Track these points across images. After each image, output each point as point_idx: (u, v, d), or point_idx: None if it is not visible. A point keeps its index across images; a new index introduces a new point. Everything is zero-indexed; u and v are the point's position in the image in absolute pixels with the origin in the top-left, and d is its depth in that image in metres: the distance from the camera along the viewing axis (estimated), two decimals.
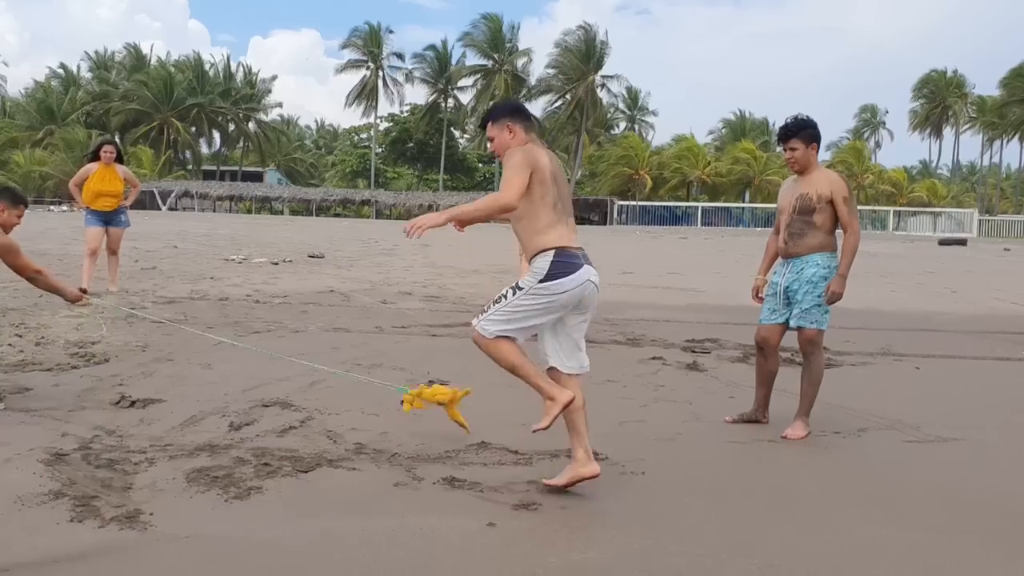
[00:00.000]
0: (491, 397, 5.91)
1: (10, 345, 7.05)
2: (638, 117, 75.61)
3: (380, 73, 73.03)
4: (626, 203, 62.62)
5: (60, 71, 78.87)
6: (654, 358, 7.53)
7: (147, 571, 3.09)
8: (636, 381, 6.60)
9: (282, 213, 66.44)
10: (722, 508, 3.95)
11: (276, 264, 16.02)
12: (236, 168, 78.47)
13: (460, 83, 71.50)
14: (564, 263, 3.90)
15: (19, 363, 6.40)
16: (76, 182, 10.41)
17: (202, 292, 11.20)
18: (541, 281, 3.90)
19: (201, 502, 3.77)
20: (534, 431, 4.08)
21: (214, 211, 64.84)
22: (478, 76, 69.65)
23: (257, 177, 76.69)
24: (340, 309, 10.18)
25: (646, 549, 3.43)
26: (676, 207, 63.62)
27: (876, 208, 62.15)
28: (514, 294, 3.95)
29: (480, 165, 76.46)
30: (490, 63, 68.31)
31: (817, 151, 5.24)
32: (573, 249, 3.97)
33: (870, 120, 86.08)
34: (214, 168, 77.65)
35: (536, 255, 3.95)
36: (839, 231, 5.24)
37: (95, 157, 10.45)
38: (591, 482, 4.14)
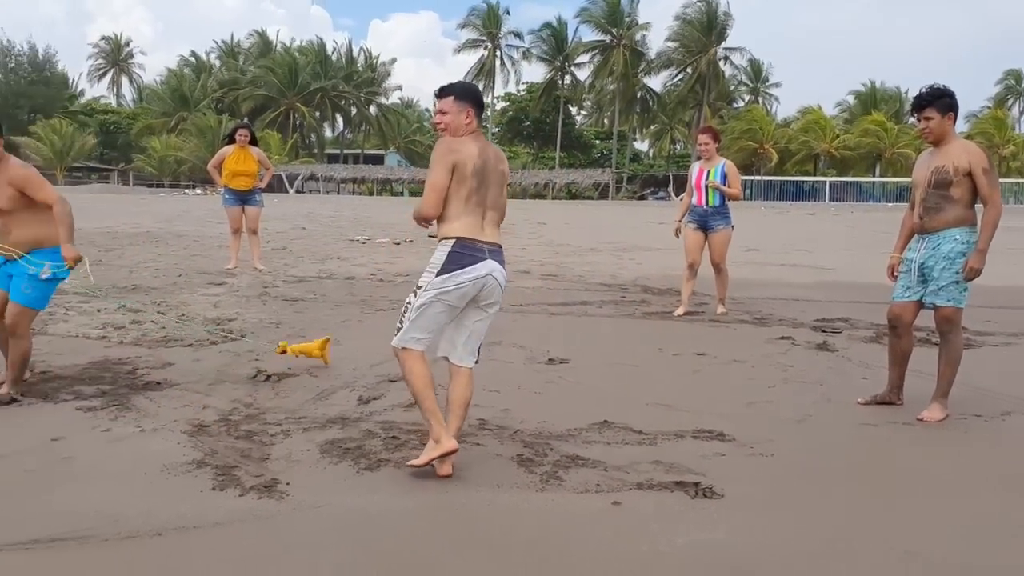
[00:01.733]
0: (613, 376, 5.89)
1: (153, 322, 7.45)
2: (762, 90, 73.27)
3: (497, 52, 73.33)
4: (750, 178, 60.97)
5: (191, 59, 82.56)
6: (783, 338, 7.32)
7: (285, 539, 3.21)
8: (764, 361, 6.43)
9: (402, 194, 67.81)
10: (855, 491, 3.81)
11: (398, 244, 16.39)
12: (358, 151, 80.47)
13: (577, 60, 71.05)
14: (461, 255, 3.85)
15: (162, 339, 6.76)
16: (214, 164, 11.04)
17: (329, 271, 11.57)
18: (437, 275, 3.86)
19: (334, 473, 3.90)
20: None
21: (338, 193, 66.76)
22: (595, 52, 68.95)
23: (378, 160, 78.45)
24: None
25: (776, 531, 3.34)
26: (803, 182, 61.49)
27: (1019, 180, 58.47)
28: (415, 296, 3.91)
29: (597, 142, 75.91)
30: (608, 38, 67.45)
31: (954, 122, 4.95)
32: (477, 242, 3.88)
33: (1014, 87, 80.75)
34: (337, 151, 79.80)
35: (438, 244, 3.92)
36: (978, 205, 4.95)
37: (231, 140, 11.02)
38: (719, 463, 4.09)
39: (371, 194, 68.08)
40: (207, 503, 3.52)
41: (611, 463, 4.05)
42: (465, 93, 4.00)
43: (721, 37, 65.08)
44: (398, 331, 3.94)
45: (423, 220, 3.91)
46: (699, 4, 64.84)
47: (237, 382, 5.49)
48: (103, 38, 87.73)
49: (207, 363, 6.00)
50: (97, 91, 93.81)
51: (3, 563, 2.95)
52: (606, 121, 76.51)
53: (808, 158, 65.07)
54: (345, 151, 80.00)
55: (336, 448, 4.21)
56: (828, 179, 60.34)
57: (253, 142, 11.08)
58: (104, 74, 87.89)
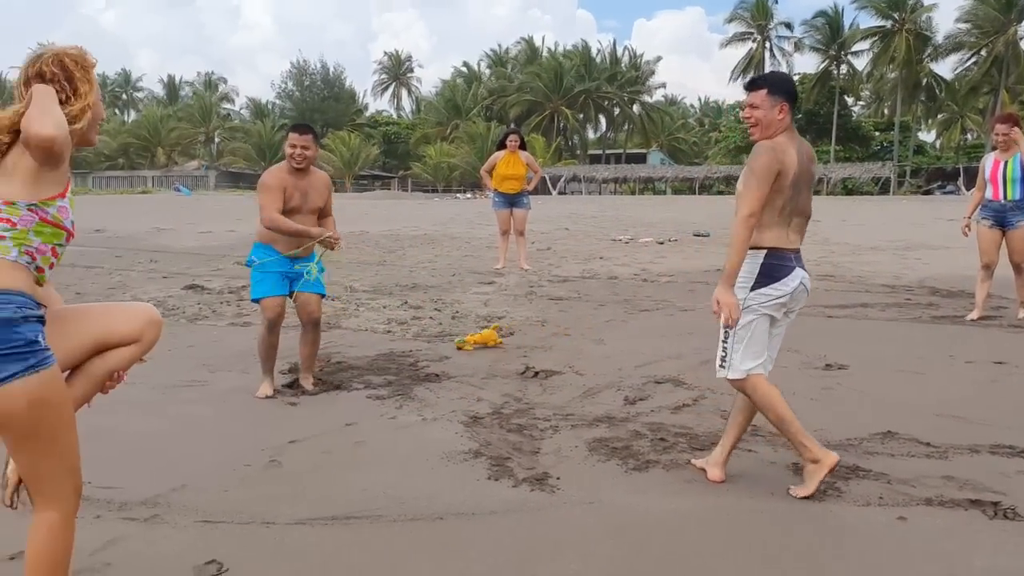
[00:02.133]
0: (897, 384, 5.48)
1: (431, 318, 7.92)
2: None
3: (767, 44, 70.82)
4: None
5: (464, 69, 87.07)
6: None
7: (556, 531, 3.28)
8: None
9: (664, 193, 67.36)
10: None
11: (661, 243, 16.27)
12: (620, 151, 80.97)
13: (854, 47, 66.86)
14: (774, 266, 3.56)
15: (439, 334, 7.17)
16: (486, 168, 11.59)
17: (592, 271, 11.71)
18: (752, 289, 3.57)
19: (603, 470, 3.93)
20: (796, 495, 3.60)
21: (599, 194, 67.57)
22: (875, 39, 64.52)
23: (640, 159, 78.47)
24: None
25: None
26: None
27: None
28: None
29: (876, 133, 70.99)
30: (889, 23, 62.88)
31: None
32: (785, 251, 3.59)
33: None
34: (599, 152, 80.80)
35: (748, 251, 3.55)
36: None
37: (502, 145, 11.49)
38: (1020, 480, 3.68)
39: (633, 193, 68.23)
40: (483, 492, 3.68)
41: (895, 476, 3.77)
42: (779, 85, 3.68)
43: (1022, 15, 58.45)
44: (723, 361, 3.71)
45: (749, 228, 3.49)
46: None
47: (507, 377, 5.70)
48: (385, 54, 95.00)
49: (479, 358, 6.28)
50: (380, 104, 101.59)
51: (307, 535, 3.25)
52: (886, 111, 71.41)
53: None
54: (607, 151, 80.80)
55: (604, 446, 4.25)
56: None
57: (522, 147, 11.48)
58: (386, 88, 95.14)
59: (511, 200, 11.34)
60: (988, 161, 7.69)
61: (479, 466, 3.99)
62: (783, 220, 3.57)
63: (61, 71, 2.29)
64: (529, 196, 11.54)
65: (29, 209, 2.19)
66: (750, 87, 3.72)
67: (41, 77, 2.27)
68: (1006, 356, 6.19)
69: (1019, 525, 3.27)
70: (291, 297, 5.36)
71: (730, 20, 72.18)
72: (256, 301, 5.36)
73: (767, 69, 70.56)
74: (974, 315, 7.68)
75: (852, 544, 3.17)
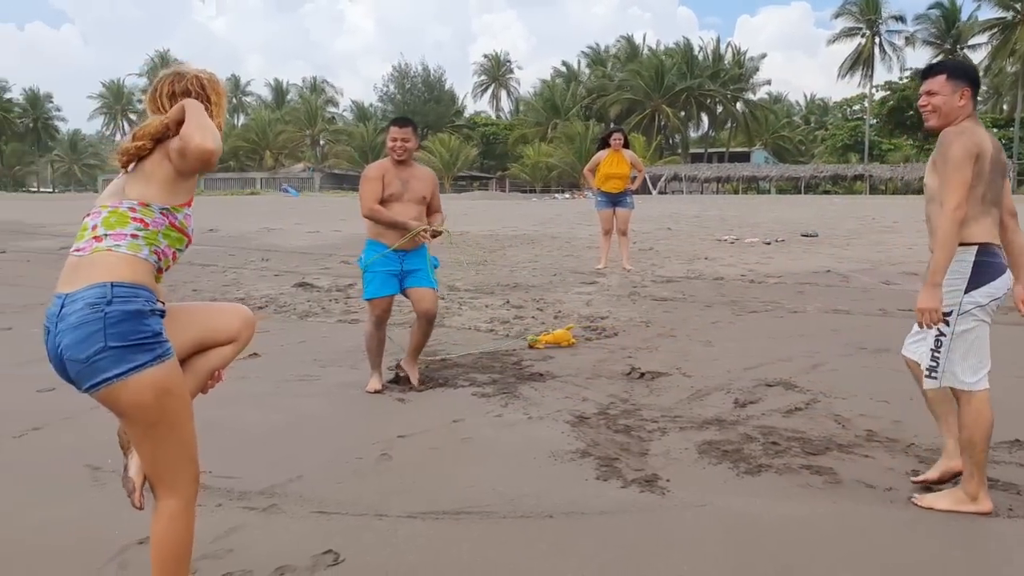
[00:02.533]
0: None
1: (533, 318, 7.93)
2: None
3: (876, 39, 68.36)
4: None
5: (563, 68, 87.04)
6: None
7: (667, 533, 3.23)
8: None
9: (768, 192, 65.81)
10: None
11: (768, 244, 15.88)
12: (722, 150, 79.53)
13: (971, 41, 63.89)
14: (987, 263, 3.32)
15: (542, 333, 7.16)
16: (589, 167, 11.55)
17: (697, 272, 11.52)
18: (966, 291, 3.32)
19: (713, 473, 3.86)
20: (916, 503, 3.46)
21: (701, 193, 66.48)
22: (994, 31, 61.52)
23: (743, 157, 76.91)
24: (838, 290, 9.74)
25: None
26: None
27: None
28: (949, 326, 3.36)
29: (994, 130, 67.53)
30: (1010, 15, 59.84)
31: None
32: (994, 246, 3.36)
33: None
34: (701, 151, 79.56)
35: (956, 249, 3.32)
36: None
37: (604, 144, 11.42)
38: None
39: (736, 193, 66.89)
40: (592, 491, 3.66)
41: None
42: (960, 70, 3.49)
43: None
44: (933, 371, 3.46)
45: (959, 224, 3.28)
46: None
47: (612, 377, 5.66)
48: (485, 56, 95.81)
49: (583, 358, 6.25)
50: (479, 106, 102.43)
51: (419, 529, 3.30)
52: (1005, 107, 68.00)
53: None
54: (709, 150, 79.49)
55: (714, 449, 4.17)
56: None
57: (625, 145, 11.39)
58: (485, 89, 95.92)
59: (614, 199, 11.28)
60: None
61: (587, 466, 3.97)
62: (986, 210, 3.35)
63: (200, 91, 2.49)
64: (633, 195, 11.44)
65: (162, 213, 2.36)
66: (927, 73, 3.53)
67: (187, 95, 2.43)
68: None
69: None
70: (403, 294, 5.49)
71: (838, 15, 69.94)
72: (368, 300, 5.51)
73: (877, 65, 68.34)
74: None
75: (977, 556, 3.03)
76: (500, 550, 3.12)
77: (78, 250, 2.34)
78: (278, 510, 3.48)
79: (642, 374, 5.67)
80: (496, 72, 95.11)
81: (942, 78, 3.44)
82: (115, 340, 2.19)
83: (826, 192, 63.46)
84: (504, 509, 3.47)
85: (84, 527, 3.29)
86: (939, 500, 3.45)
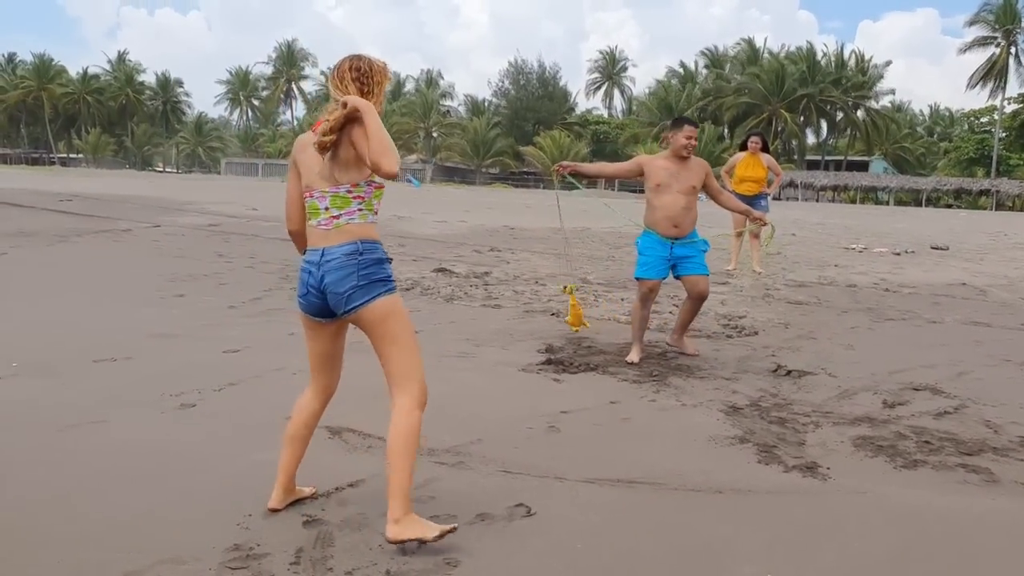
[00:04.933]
0: None
1: (670, 313, 8.14)
2: None
3: (1012, 49, 65.32)
4: None
5: (679, 69, 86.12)
6: None
7: (835, 514, 3.45)
8: None
9: (886, 203, 63.77)
10: None
11: (898, 254, 15.60)
12: (840, 158, 77.42)
13: None
14: None
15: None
16: (727, 169, 11.71)
17: (829, 278, 11.49)
18: None
19: (871, 465, 4.04)
20: None
21: (816, 200, 64.96)
22: None
23: (862, 166, 74.79)
24: (976, 303, 9.60)
25: None
26: None
27: None
28: None
29: None
30: None
31: None
32: None
33: None
34: (818, 158, 77.64)
35: None
36: None
37: (743, 147, 11.53)
38: None
39: (853, 202, 65.10)
40: (755, 473, 3.89)
41: None
42: None
43: None
44: None
45: None
46: None
47: (758, 374, 5.85)
48: (600, 53, 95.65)
49: (726, 354, 6.45)
50: (592, 103, 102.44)
51: (597, 492, 3.60)
52: None
53: None
54: (826, 157, 77.46)
55: (869, 444, 4.34)
56: None
57: (765, 149, 11.47)
58: (599, 87, 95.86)
59: (749, 201, 11.31)
60: None
61: (747, 451, 4.20)
62: None
63: (368, 72, 3.14)
64: (768, 199, 11.50)
65: (367, 184, 3.09)
66: None
67: (363, 75, 3.12)
68: None
69: None
70: (677, 279, 6.21)
71: (972, 23, 67.08)
72: (638, 279, 6.18)
73: (1011, 76, 65.26)
74: None
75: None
76: (676, 516, 3.39)
77: (322, 224, 3.09)
78: (466, 467, 3.84)
79: (788, 371, 5.84)
80: (610, 70, 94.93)
81: None
82: (363, 280, 3.02)
83: (948, 206, 61.03)
84: (675, 482, 3.74)
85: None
86: None
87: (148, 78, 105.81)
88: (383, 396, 3.15)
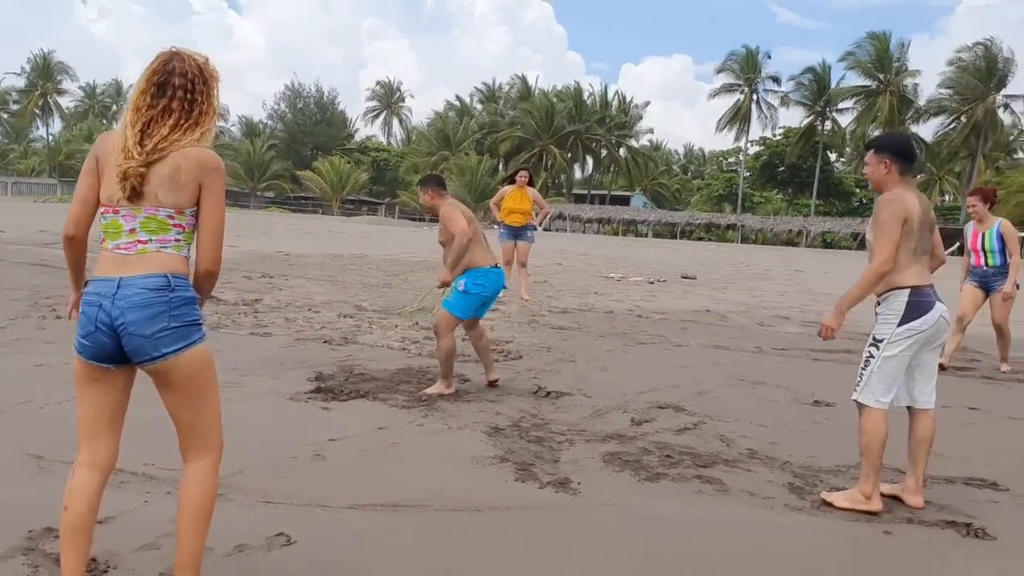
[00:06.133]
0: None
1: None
2: None
3: (754, 97, 72.24)
4: None
5: (456, 102, 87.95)
6: None
7: (584, 526, 3.70)
8: None
9: (646, 236, 68.22)
10: None
11: (652, 283, 16.79)
12: (605, 192, 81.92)
13: (840, 105, 68.41)
14: (918, 302, 3.98)
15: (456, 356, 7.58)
16: (495, 201, 12.14)
17: (589, 305, 12.19)
18: (900, 325, 3.98)
19: (618, 479, 4.37)
20: (826, 503, 4.09)
21: (583, 232, 68.36)
22: (860, 97, 66.12)
23: (624, 201, 79.48)
24: (717, 328, 10.55)
25: None
26: None
27: None
28: (879, 350, 4.04)
29: (857, 190, 72.38)
30: (874, 83, 64.45)
31: None
32: (925, 288, 4.02)
33: None
34: (584, 192, 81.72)
35: (888, 293, 4.03)
36: None
37: (511, 180, 12.04)
38: (991, 509, 4.15)
39: (616, 234, 69.05)
40: (513, 490, 4.10)
41: (881, 500, 4.21)
42: (883, 145, 4.18)
43: (1001, 84, 60.13)
44: (857, 386, 4.13)
45: (883, 277, 3.99)
46: (976, 49, 60.31)
47: (521, 395, 6.13)
48: (378, 83, 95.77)
49: None
50: (370, 131, 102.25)
51: (360, 518, 3.66)
52: None
53: None
54: (592, 191, 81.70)
55: (617, 459, 4.68)
56: None
57: (531, 183, 12.02)
58: (377, 115, 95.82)
59: (516, 232, 11.86)
60: (968, 231, 8.27)
61: (506, 469, 4.41)
62: (916, 259, 4.01)
63: (200, 76, 2.67)
64: (534, 230, 12.05)
65: (193, 213, 2.67)
66: (866, 147, 4.30)
67: (184, 78, 2.62)
68: (979, 403, 6.68)
69: (987, 543, 3.73)
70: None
71: (720, 71, 73.44)
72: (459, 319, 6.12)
73: (753, 121, 72.13)
74: (941, 361, 8.16)
75: (846, 549, 3.62)
76: (436, 536, 3.51)
77: (120, 248, 2.59)
78: (226, 499, 3.75)
79: (548, 393, 6.17)
80: (389, 99, 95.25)
81: (871, 153, 4.21)
82: (175, 322, 2.56)
83: (700, 239, 66.23)
84: (436, 503, 3.87)
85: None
86: (838, 497, 4.07)
87: None
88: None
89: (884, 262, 3.94)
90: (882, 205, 4.02)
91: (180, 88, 2.61)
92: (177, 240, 2.63)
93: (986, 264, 8.11)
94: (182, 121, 2.61)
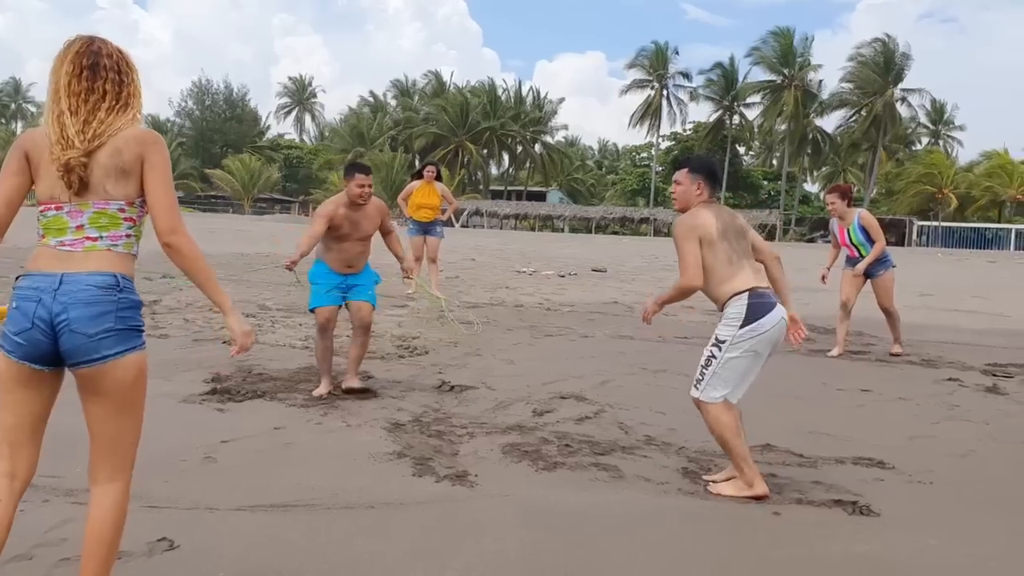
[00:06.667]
0: (777, 407, 6.08)
1: (347, 336, 8.17)
2: (943, 132, 69.98)
3: (664, 92, 73.45)
4: (927, 223, 58.26)
5: (370, 99, 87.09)
6: (950, 379, 7.27)
7: (477, 518, 3.69)
8: (929, 400, 6.46)
9: (562, 231, 68.79)
10: (1015, 520, 3.91)
11: (563, 276, 16.92)
12: (521, 188, 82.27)
13: (747, 99, 70.14)
14: (759, 304, 4.08)
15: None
16: (403, 196, 12.01)
17: (500, 299, 12.21)
18: (742, 327, 4.06)
19: (516, 470, 4.37)
20: (712, 489, 4.18)
21: (500, 228, 68.50)
22: (766, 92, 67.91)
23: (540, 196, 79.94)
24: (623, 319, 10.68)
25: (930, 548, 3.54)
26: (985, 229, 58.12)
27: None
28: (721, 351, 4.13)
29: (765, 183, 74.44)
30: (779, 78, 66.27)
31: None
32: (762, 289, 4.14)
33: None
34: (501, 188, 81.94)
35: (728, 300, 4.12)
36: None
37: (419, 175, 11.94)
38: (877, 487, 4.30)
39: (533, 230, 69.41)
40: (409, 486, 4.06)
41: (772, 481, 4.30)
42: (697, 165, 4.28)
43: (899, 78, 62.64)
44: (698, 383, 4.17)
45: (691, 292, 4.17)
46: (875, 45, 62.69)
47: (424, 390, 6.09)
48: (290, 78, 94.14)
49: (397, 373, 6.64)
50: (282, 128, 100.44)
51: (248, 519, 3.57)
52: (775, 162, 75.00)
53: (992, 204, 61.35)
54: (509, 188, 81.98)
55: (516, 450, 4.68)
56: (1014, 226, 56.62)
57: (438, 178, 11.96)
58: (289, 112, 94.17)
59: (425, 228, 11.78)
60: (834, 228, 8.57)
61: (404, 465, 4.37)
62: (738, 266, 4.10)
63: (121, 56, 2.57)
64: (443, 225, 11.99)
65: (142, 204, 2.53)
66: (677, 165, 4.32)
67: (111, 60, 2.51)
68: (871, 385, 6.92)
69: (871, 519, 3.86)
70: (345, 306, 6.02)
71: (630, 67, 74.44)
72: (312, 311, 6.00)
73: (664, 116, 73.30)
74: (835, 352, 8.44)
75: (735, 531, 3.69)
76: (327, 536, 3.45)
77: (64, 244, 2.42)
78: None
79: (452, 387, 6.15)
80: (301, 95, 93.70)
81: (685, 171, 4.28)
82: (120, 323, 2.39)
83: (615, 233, 67.07)
84: (329, 502, 3.80)
85: None
86: (726, 487, 4.14)
87: None
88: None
89: (690, 278, 4.08)
90: (676, 225, 4.16)
91: (111, 69, 2.49)
92: (128, 236, 2.49)
93: (860, 255, 8.41)
94: (115, 103, 2.49)
